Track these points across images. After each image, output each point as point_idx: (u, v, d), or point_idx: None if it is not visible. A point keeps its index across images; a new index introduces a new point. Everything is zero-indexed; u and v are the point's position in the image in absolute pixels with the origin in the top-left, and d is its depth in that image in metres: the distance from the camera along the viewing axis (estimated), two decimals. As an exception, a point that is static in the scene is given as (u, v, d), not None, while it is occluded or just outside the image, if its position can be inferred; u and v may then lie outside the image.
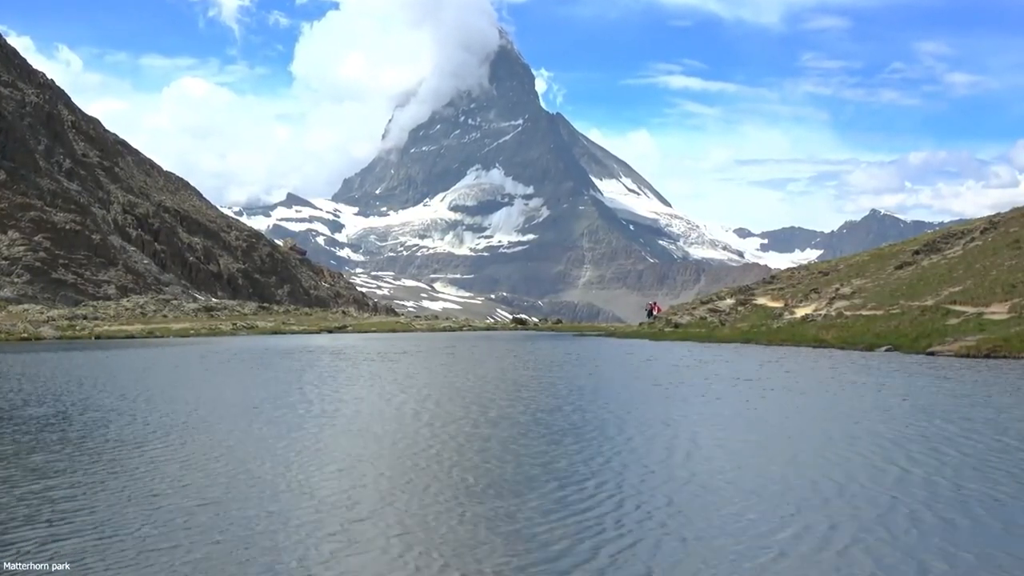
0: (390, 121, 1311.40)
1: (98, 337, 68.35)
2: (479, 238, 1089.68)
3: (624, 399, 21.58)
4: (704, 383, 25.15)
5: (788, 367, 30.63)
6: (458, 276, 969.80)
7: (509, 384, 25.75)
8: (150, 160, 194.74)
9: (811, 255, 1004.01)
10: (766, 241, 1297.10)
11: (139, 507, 10.29)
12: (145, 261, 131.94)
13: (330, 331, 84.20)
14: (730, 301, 70.67)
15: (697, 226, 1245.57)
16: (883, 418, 17.03)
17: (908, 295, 49.13)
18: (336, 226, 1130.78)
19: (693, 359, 36.35)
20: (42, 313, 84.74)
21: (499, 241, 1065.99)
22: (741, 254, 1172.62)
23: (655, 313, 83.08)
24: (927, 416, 17.16)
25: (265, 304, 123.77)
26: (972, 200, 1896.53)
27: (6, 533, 9.26)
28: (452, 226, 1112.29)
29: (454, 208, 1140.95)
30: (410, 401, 21.22)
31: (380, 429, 16.47)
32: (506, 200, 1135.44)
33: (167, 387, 25.29)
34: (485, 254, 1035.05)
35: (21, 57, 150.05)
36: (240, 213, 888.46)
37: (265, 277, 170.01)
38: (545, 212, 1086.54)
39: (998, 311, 38.78)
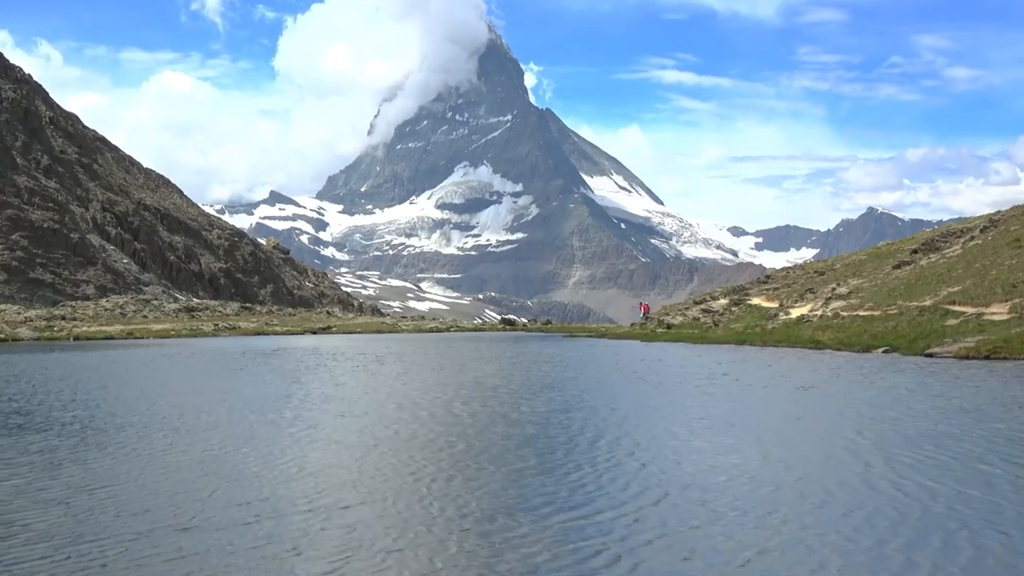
0: (376, 116, 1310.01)
1: (76, 338, 68.24)
2: (467, 237, 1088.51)
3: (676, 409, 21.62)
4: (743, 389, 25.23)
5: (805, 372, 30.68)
6: (445, 276, 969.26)
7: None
8: (130, 157, 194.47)
9: (807, 254, 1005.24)
10: (761, 240, 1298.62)
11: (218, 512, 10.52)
12: (125, 260, 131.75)
13: (314, 332, 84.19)
14: (724, 301, 70.77)
15: (690, 224, 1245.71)
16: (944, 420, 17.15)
17: (906, 295, 49.18)
18: (320, 224, 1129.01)
19: (707, 363, 36.38)
20: (19, 314, 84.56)
21: (487, 240, 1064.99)
22: (735, 253, 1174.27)
23: (645, 313, 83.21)
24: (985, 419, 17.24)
25: (247, 304, 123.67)
26: (972, 198, 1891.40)
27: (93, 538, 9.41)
28: (439, 224, 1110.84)
29: (441, 206, 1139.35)
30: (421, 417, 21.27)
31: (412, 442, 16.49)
32: (494, 198, 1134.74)
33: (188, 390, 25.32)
34: (473, 253, 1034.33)
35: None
36: (222, 211, 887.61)
37: (248, 277, 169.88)
38: (534, 210, 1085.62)
39: (998, 311, 38.81)
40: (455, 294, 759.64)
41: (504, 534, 9.52)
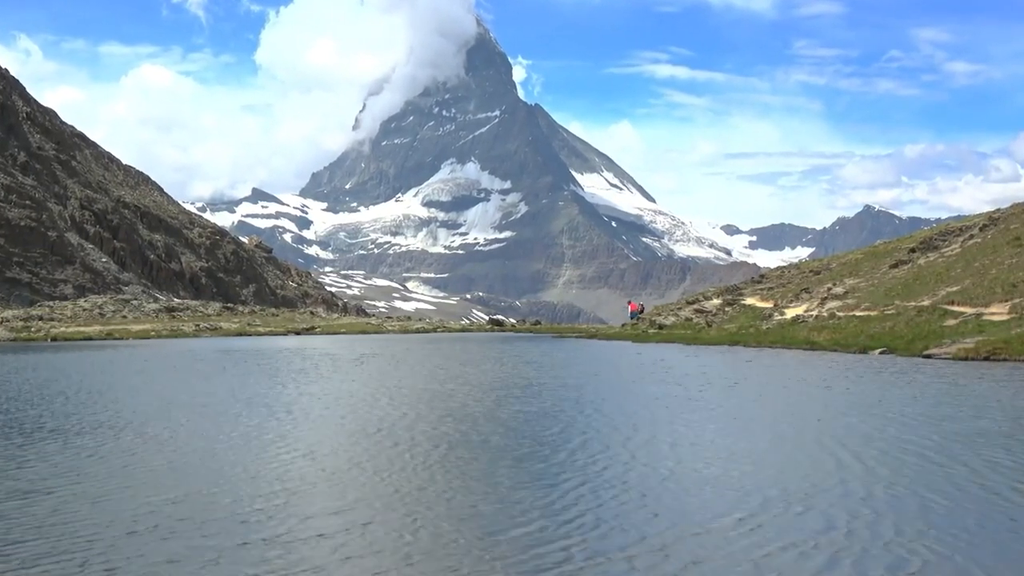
0: (361, 111, 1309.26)
1: (54, 339, 68.02)
2: (454, 235, 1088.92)
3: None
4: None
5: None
6: (432, 275, 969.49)
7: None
8: (109, 153, 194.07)
9: (802, 253, 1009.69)
10: (755, 238, 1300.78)
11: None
12: (103, 259, 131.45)
13: (298, 332, 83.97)
14: (717, 301, 70.76)
15: (683, 223, 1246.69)
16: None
17: (904, 295, 49.27)
18: (304, 222, 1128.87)
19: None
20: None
21: (475, 238, 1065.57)
22: (729, 252, 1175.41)
23: (634, 312, 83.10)
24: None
25: (229, 304, 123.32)
26: (971, 195, 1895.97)
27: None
28: (426, 223, 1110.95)
29: (428, 204, 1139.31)
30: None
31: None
32: (482, 195, 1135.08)
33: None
34: (460, 252, 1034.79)
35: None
36: (203, 209, 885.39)
37: (229, 276, 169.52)
38: (523, 208, 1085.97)
39: (998, 312, 38.90)
40: (442, 294, 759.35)
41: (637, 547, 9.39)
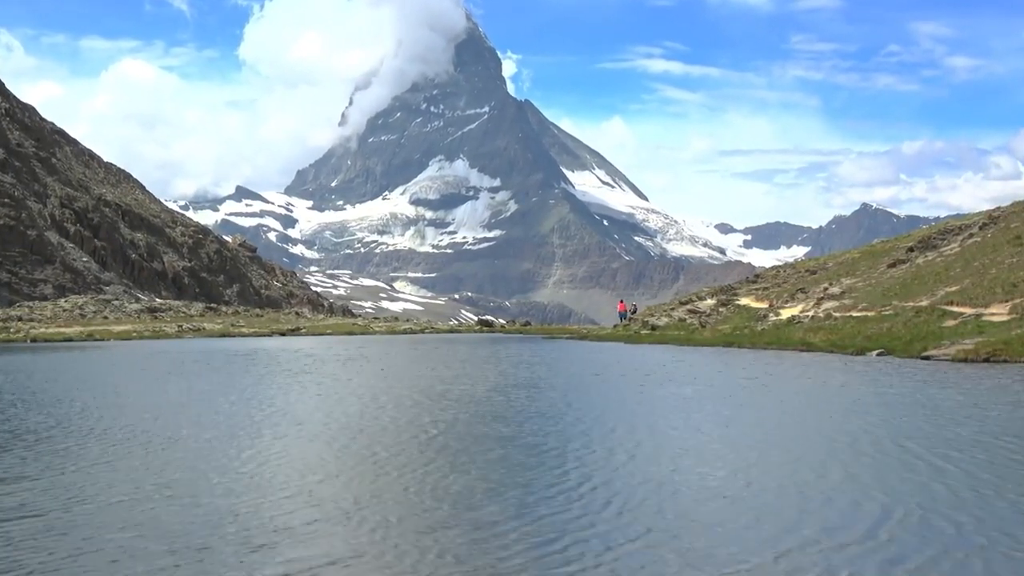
0: (348, 106, 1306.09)
1: (34, 340, 67.92)
2: (442, 234, 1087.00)
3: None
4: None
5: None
6: (420, 275, 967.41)
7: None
8: (90, 150, 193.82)
9: (798, 252, 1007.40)
10: (750, 237, 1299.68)
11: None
12: (84, 259, 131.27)
13: (282, 333, 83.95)
14: (711, 301, 70.81)
15: (676, 221, 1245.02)
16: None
17: (902, 295, 49.35)
18: (289, 221, 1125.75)
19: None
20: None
21: (463, 237, 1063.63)
22: (723, 251, 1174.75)
23: (623, 312, 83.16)
24: None
25: (213, 305, 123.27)
26: (971, 193, 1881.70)
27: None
28: (413, 221, 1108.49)
29: (415, 202, 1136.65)
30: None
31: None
32: (471, 193, 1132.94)
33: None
34: (448, 251, 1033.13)
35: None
36: (186, 207, 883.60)
37: (213, 276, 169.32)
38: (513, 206, 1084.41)
39: (998, 312, 38.97)
40: (430, 294, 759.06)
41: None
